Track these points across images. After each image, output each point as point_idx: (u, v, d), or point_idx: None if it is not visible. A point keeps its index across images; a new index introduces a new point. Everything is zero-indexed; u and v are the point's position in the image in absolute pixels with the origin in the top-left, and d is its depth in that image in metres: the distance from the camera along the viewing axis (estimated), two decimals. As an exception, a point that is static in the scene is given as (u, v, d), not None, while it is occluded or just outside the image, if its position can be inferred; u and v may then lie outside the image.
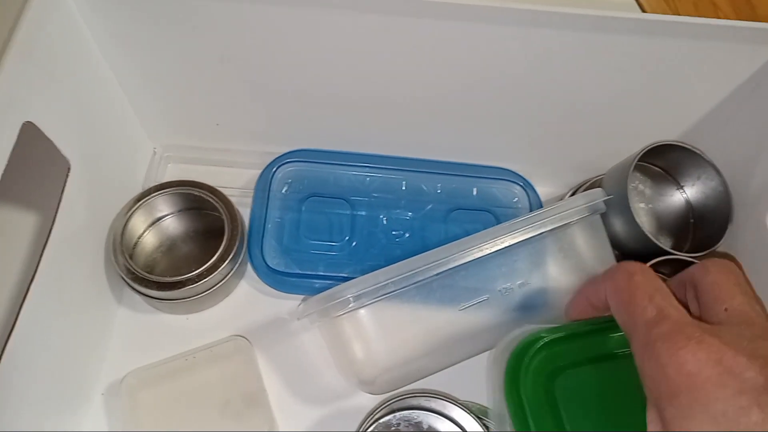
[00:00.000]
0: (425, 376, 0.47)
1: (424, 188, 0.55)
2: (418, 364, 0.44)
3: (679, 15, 0.44)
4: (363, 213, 0.54)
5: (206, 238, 0.53)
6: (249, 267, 0.53)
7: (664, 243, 0.50)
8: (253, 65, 0.49)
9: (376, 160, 0.55)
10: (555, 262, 0.45)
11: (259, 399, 0.46)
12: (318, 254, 0.52)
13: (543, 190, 0.56)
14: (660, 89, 0.48)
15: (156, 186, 0.51)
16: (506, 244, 0.43)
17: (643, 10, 0.69)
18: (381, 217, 0.54)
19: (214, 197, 0.50)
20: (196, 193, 0.50)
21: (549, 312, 0.45)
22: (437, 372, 0.47)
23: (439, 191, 0.55)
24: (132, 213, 0.49)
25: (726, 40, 0.44)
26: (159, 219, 0.52)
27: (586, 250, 0.45)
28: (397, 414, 0.45)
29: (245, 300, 0.52)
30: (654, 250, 0.47)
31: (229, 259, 0.47)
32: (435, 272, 0.41)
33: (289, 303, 0.52)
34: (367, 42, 0.46)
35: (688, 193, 0.54)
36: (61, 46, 0.43)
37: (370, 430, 0.44)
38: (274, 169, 0.54)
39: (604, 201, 0.45)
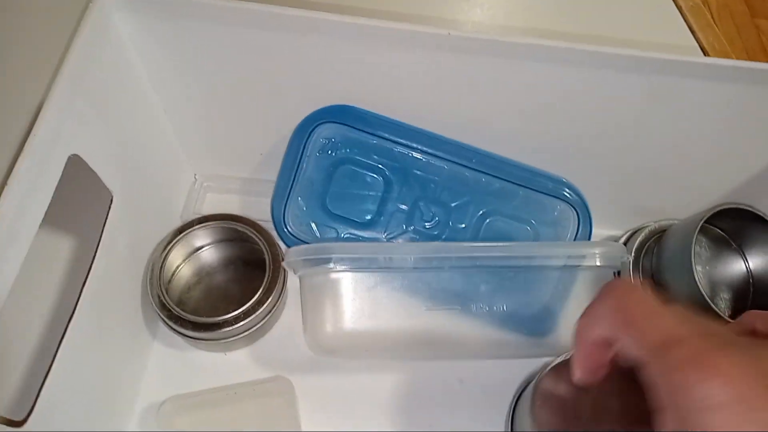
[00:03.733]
0: (386, 358, 0.49)
1: (470, 181, 0.49)
2: (378, 341, 0.44)
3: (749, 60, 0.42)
4: (396, 192, 0.49)
5: (244, 268, 0.51)
6: (290, 301, 0.51)
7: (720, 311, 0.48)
8: (303, 96, 0.48)
9: (426, 139, 0.49)
10: (542, 299, 0.45)
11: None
12: (339, 227, 0.49)
13: (597, 232, 0.53)
14: (726, 139, 0.46)
15: (196, 219, 0.50)
16: (498, 264, 0.44)
17: (705, 54, 0.67)
18: (413, 200, 0.50)
19: (256, 233, 0.49)
20: (239, 228, 0.49)
21: (519, 348, 0.46)
22: (398, 359, 0.49)
23: (483, 188, 0.50)
24: (171, 247, 0.48)
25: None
26: (197, 250, 0.51)
27: (584, 300, 0.44)
28: None
29: (287, 336, 0.50)
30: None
31: (268, 301, 0.46)
32: (417, 265, 0.43)
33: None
34: (436, 78, 0.45)
35: (750, 261, 0.51)
36: (111, 76, 0.43)
37: None
38: (314, 125, 0.49)
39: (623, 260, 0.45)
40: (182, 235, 0.49)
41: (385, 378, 0.49)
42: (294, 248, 0.43)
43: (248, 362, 0.49)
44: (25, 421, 0.35)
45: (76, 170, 0.40)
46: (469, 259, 0.42)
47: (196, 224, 0.49)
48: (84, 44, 0.39)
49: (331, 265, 0.42)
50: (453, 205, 0.49)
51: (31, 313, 0.44)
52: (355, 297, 0.42)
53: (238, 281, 0.51)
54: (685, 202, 0.51)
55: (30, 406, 0.36)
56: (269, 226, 0.50)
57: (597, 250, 0.43)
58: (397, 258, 0.42)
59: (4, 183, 0.33)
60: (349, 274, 0.42)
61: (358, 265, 0.42)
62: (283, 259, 0.46)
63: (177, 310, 0.45)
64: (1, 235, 0.32)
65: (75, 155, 0.39)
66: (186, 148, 0.54)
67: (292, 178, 0.49)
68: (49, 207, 0.36)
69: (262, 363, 0.49)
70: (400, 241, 0.49)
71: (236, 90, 0.49)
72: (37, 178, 0.35)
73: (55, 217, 0.37)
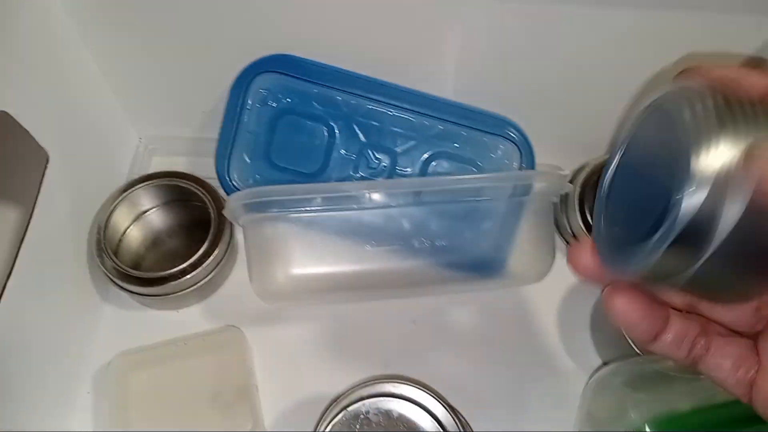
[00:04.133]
0: (337, 301, 0.50)
1: (413, 124, 0.49)
2: (326, 284, 0.44)
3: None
4: (341, 141, 0.49)
5: (194, 230, 0.51)
6: (240, 256, 0.51)
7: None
8: (241, 48, 0.47)
9: (367, 84, 0.48)
10: (484, 232, 0.45)
11: (248, 394, 0.44)
12: (285, 180, 0.49)
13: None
14: (661, 65, 0.47)
15: (140, 178, 0.49)
16: (436, 199, 0.44)
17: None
18: (358, 148, 0.49)
19: (200, 189, 0.48)
20: (182, 185, 0.49)
21: (466, 282, 0.46)
22: (349, 302, 0.50)
23: (426, 131, 0.49)
24: (115, 207, 0.47)
25: (730, 12, 0.42)
26: (143, 213, 0.51)
27: (526, 229, 0.45)
28: (366, 401, 0.44)
29: (238, 291, 0.50)
30: None
31: (215, 253, 0.46)
32: (358, 204, 0.42)
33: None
34: (373, 21, 0.45)
35: None
36: (38, 33, 0.42)
37: (337, 419, 0.43)
38: (252, 76, 0.48)
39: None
40: (126, 194, 0.48)
41: (338, 324, 0.49)
42: (233, 195, 0.42)
43: (200, 318, 0.49)
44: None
45: (7, 129, 0.40)
46: (410, 194, 0.42)
47: (139, 183, 0.49)
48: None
49: (273, 209, 0.41)
50: (398, 150, 0.49)
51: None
52: (299, 240, 0.42)
53: (188, 242, 0.51)
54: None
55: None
56: (217, 184, 0.50)
57: (537, 180, 0.44)
58: (337, 197, 0.42)
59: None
60: (290, 216, 0.42)
61: (298, 207, 0.42)
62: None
63: (123, 267, 0.45)
64: None
65: (3, 112, 0.38)
66: (127, 110, 0.53)
67: (234, 132, 0.48)
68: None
69: (214, 318, 0.49)
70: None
71: (172, 45, 0.48)
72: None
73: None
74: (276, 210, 0.41)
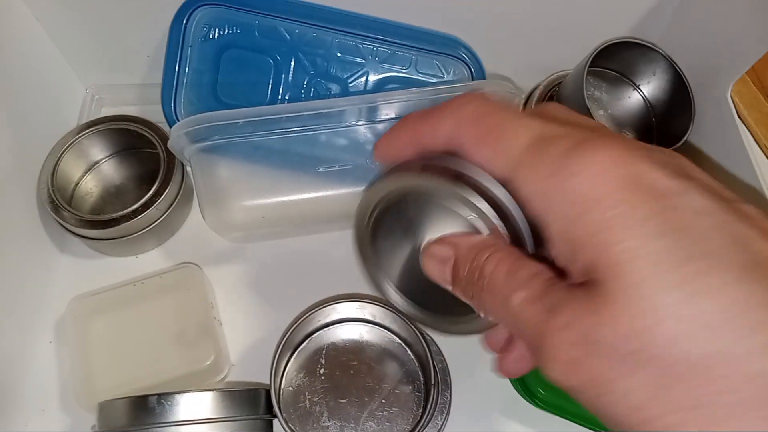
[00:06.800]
0: (293, 232, 0.49)
1: (361, 50, 0.48)
2: (278, 212, 0.43)
3: None
4: (288, 73, 0.48)
5: (148, 179, 0.50)
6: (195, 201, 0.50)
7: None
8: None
9: (311, 11, 0.47)
10: None
11: (209, 328, 0.44)
12: None
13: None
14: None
15: (86, 123, 0.48)
16: (384, 116, 0.42)
17: None
18: (307, 79, 0.48)
19: (148, 131, 0.47)
20: (130, 128, 0.48)
21: None
22: (302, 234, 0.49)
23: (375, 56, 0.48)
24: (63, 154, 0.47)
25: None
26: (96, 163, 0.50)
27: None
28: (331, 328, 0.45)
29: (197, 233, 0.49)
30: None
31: (166, 192, 0.45)
32: (304, 125, 0.41)
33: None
34: None
35: (645, 91, 0.51)
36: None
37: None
38: (190, 11, 0.46)
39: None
40: (74, 140, 0.47)
41: (300, 257, 0.49)
42: (175, 125, 0.41)
43: (160, 261, 0.48)
44: None
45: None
46: (355, 113, 0.42)
47: (86, 129, 0.48)
48: None
49: (216, 136, 0.40)
50: (348, 78, 0.48)
51: None
52: (247, 168, 0.41)
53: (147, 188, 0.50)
54: (580, 51, 0.50)
55: None
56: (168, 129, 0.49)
57: (485, 89, 0.43)
58: (280, 119, 0.40)
59: None
60: (235, 142, 0.41)
61: (242, 132, 0.40)
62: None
63: (72, 210, 0.44)
64: None
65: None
66: (70, 59, 0.52)
67: (176, 72, 0.47)
68: None
69: (173, 260, 0.48)
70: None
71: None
72: None
73: None
74: (219, 137, 0.40)
